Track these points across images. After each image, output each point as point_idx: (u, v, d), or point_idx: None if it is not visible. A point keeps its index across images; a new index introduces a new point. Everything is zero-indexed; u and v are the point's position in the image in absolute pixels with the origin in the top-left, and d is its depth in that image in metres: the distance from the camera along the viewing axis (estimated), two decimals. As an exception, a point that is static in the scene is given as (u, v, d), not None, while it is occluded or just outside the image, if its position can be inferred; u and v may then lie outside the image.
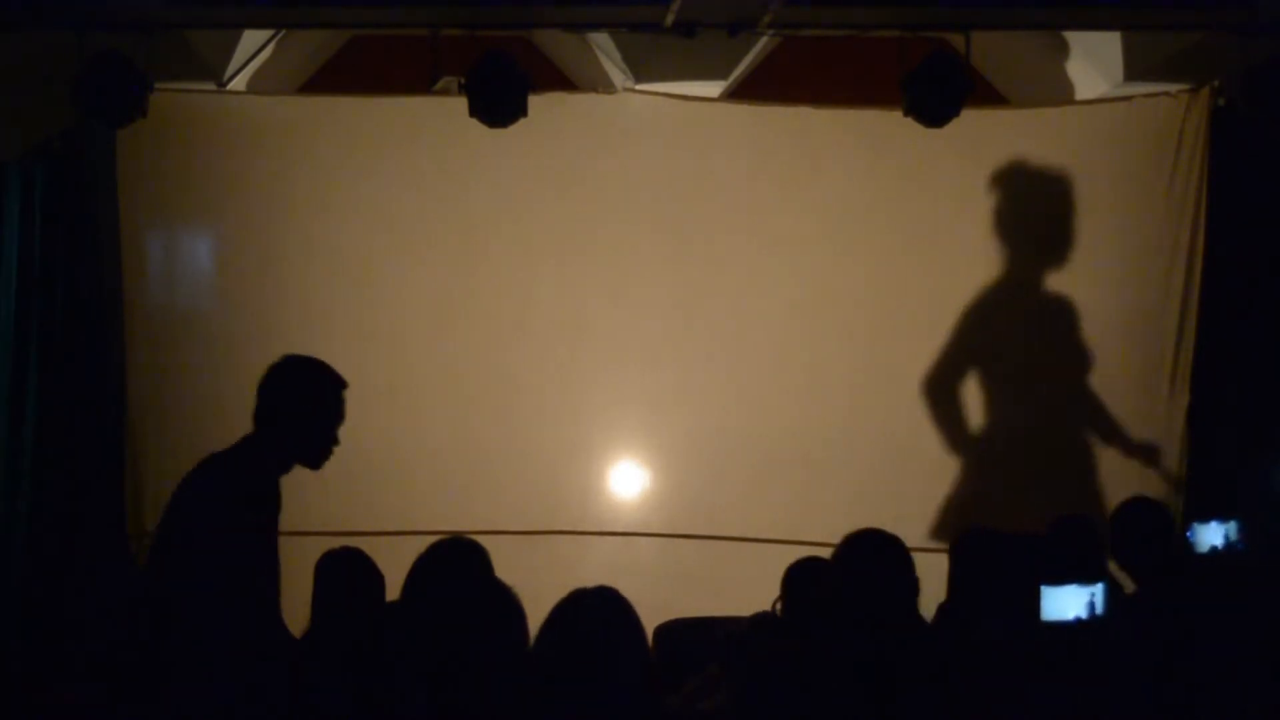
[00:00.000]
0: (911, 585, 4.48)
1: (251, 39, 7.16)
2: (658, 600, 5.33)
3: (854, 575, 4.04)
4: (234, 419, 7.29)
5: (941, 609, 4.97)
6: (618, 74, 7.37)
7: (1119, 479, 7.37)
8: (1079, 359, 7.45)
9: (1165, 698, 4.07)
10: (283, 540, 6.65)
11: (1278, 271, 7.48)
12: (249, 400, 7.27)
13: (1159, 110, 7.33)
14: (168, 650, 3.90)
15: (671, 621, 6.32)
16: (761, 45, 7.34)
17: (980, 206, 7.45)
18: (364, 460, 7.37)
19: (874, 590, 4.01)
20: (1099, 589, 4.02)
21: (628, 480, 7.49)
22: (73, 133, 7.18)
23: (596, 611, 3.64)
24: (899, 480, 7.34)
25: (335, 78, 7.82)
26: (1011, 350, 7.47)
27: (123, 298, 7.32)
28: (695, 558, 7.25)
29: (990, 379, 7.47)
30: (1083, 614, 3.99)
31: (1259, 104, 6.71)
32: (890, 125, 6.96)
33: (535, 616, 3.79)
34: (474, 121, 6.65)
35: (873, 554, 4.04)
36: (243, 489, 4.33)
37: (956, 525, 6.91)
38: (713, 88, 7.50)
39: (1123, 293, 7.43)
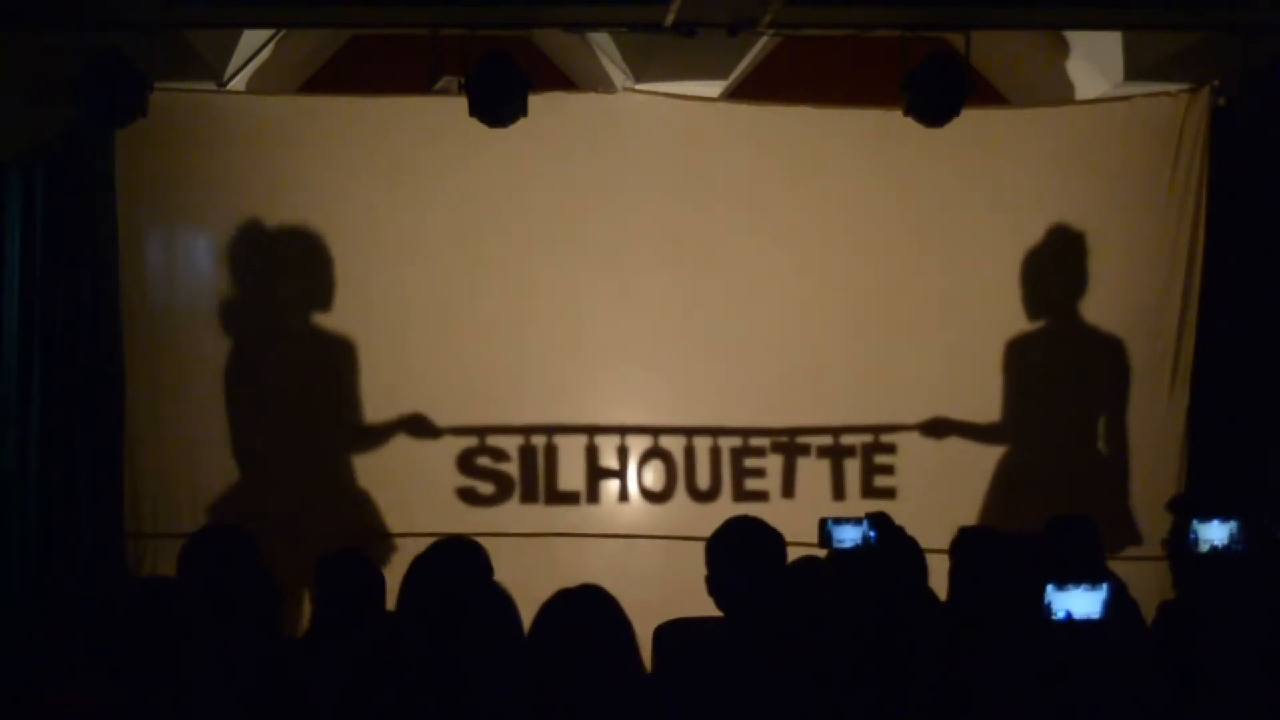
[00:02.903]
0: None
1: (251, 39, 7.16)
2: (658, 600, 5.33)
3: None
4: (232, 418, 7.37)
5: (942, 608, 4.97)
6: (618, 74, 7.37)
7: (1120, 478, 7.39)
8: (1079, 359, 7.46)
9: (1171, 699, 4.07)
10: (283, 540, 6.74)
11: (1278, 271, 7.48)
12: (247, 399, 7.36)
13: (1159, 110, 7.33)
14: None
15: (671, 621, 6.32)
16: (761, 45, 7.34)
17: (980, 207, 7.46)
18: (365, 460, 7.42)
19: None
20: (1105, 589, 4.02)
21: (629, 481, 7.49)
22: (73, 133, 7.18)
23: (583, 610, 3.64)
24: (902, 478, 7.35)
25: (335, 78, 7.83)
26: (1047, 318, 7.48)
27: (122, 297, 7.32)
28: (696, 559, 7.23)
29: (990, 378, 7.48)
30: (1091, 615, 3.99)
31: (1259, 104, 6.71)
32: (890, 125, 6.96)
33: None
34: (474, 121, 6.65)
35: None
36: None
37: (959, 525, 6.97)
38: (713, 87, 7.50)
39: (1123, 292, 7.43)
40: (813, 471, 7.12)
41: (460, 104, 6.64)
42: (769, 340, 7.45)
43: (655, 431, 7.17)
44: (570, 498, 7.22)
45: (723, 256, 7.45)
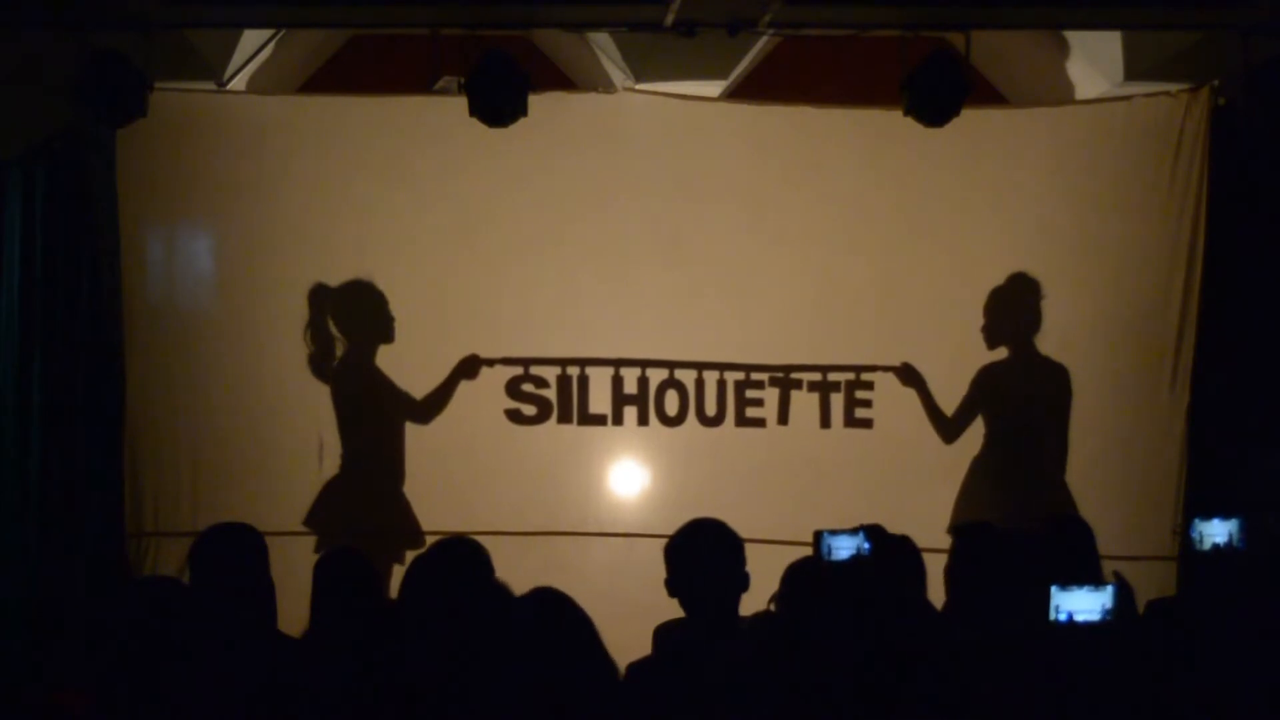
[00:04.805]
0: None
1: (251, 39, 7.16)
2: (659, 601, 5.32)
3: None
4: (232, 418, 7.37)
5: (940, 617, 4.96)
6: (618, 74, 7.38)
7: (1120, 478, 7.40)
8: (1077, 359, 7.47)
9: (1171, 699, 4.07)
10: (283, 540, 6.74)
11: (1278, 271, 7.48)
12: (247, 399, 7.37)
13: (1159, 110, 7.33)
14: None
15: (671, 621, 6.32)
16: (761, 45, 7.34)
17: (980, 207, 7.46)
18: (363, 460, 7.42)
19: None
20: (1109, 591, 4.02)
21: (629, 481, 7.50)
22: (73, 133, 7.18)
23: (539, 613, 3.62)
24: (904, 479, 7.36)
25: (335, 78, 7.83)
26: (1009, 348, 7.49)
27: (122, 297, 7.32)
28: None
29: (988, 376, 7.49)
30: (1093, 617, 3.98)
31: (1259, 104, 6.71)
32: (890, 125, 6.97)
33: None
34: (474, 121, 6.66)
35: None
36: None
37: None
38: (713, 87, 7.50)
39: (1123, 292, 7.43)
40: (804, 403, 7.50)
41: (460, 104, 6.64)
42: (767, 338, 7.47)
43: (671, 365, 7.51)
44: (599, 419, 7.48)
45: (722, 256, 7.46)
